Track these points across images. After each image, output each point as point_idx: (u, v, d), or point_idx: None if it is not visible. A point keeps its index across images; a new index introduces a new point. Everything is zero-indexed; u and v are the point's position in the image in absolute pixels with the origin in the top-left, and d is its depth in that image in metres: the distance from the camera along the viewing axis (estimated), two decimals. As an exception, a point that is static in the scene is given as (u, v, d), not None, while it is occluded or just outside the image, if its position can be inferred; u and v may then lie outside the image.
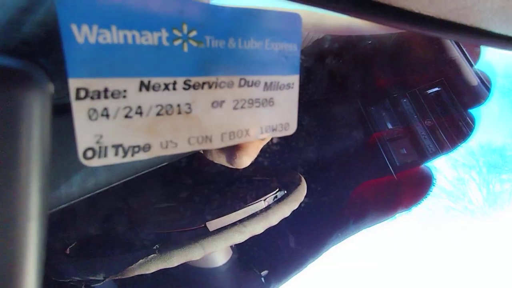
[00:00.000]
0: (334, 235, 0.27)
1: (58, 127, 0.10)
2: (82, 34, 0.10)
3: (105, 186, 0.15)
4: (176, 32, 0.11)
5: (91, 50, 0.10)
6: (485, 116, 0.26)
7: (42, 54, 0.11)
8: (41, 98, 0.08)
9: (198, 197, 0.34)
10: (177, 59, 0.12)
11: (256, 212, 0.30)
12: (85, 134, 0.11)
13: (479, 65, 0.25)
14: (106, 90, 0.11)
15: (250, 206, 0.30)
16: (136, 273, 0.27)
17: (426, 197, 0.28)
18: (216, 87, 0.13)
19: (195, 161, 0.33)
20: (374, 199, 0.28)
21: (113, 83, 0.11)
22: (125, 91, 0.11)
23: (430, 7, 0.17)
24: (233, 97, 0.13)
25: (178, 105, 0.12)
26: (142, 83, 0.11)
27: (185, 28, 0.12)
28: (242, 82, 0.13)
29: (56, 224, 0.29)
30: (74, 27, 0.10)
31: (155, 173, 0.28)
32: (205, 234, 0.29)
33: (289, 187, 0.33)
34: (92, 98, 0.10)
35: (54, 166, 0.12)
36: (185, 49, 0.12)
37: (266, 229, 0.28)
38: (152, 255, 0.28)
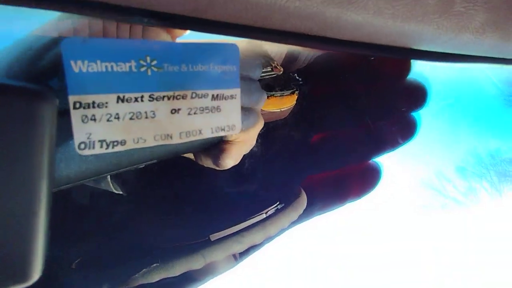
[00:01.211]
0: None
1: (62, 126, 0.15)
2: (77, 66, 0.15)
3: (97, 174, 0.19)
4: (142, 62, 0.17)
5: (83, 77, 0.15)
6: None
7: (53, 78, 0.16)
8: (50, 109, 0.14)
9: (202, 211, 0.35)
10: (143, 80, 0.17)
11: (256, 222, 0.32)
12: (79, 132, 0.16)
13: (413, 75, 0.30)
14: (93, 103, 0.16)
15: (250, 219, 0.33)
16: (140, 282, 0.29)
17: (374, 188, 0.32)
18: (173, 99, 0.18)
19: (198, 176, 0.35)
20: (322, 190, 0.32)
21: (98, 98, 0.16)
22: (106, 103, 0.16)
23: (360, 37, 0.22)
24: (187, 106, 0.18)
25: (145, 112, 0.17)
26: (118, 97, 0.16)
27: (148, 59, 0.17)
28: (194, 95, 0.19)
29: (62, 239, 0.31)
30: (72, 62, 0.15)
31: (159, 187, 0.31)
32: (207, 244, 0.31)
33: (289, 199, 0.34)
34: (84, 108, 0.16)
35: (57, 153, 0.17)
36: (149, 73, 0.17)
37: None
38: (154, 265, 0.30)
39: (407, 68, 0.30)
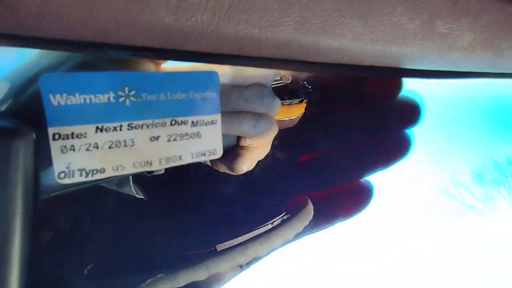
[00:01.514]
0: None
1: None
2: (56, 100, 0.16)
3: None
4: (120, 92, 0.17)
5: (62, 109, 0.16)
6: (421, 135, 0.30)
7: (32, 112, 0.17)
8: (24, 143, 0.14)
9: (210, 221, 0.36)
10: (121, 110, 0.17)
11: (260, 233, 0.32)
12: (59, 162, 0.16)
13: (405, 92, 0.30)
14: (72, 134, 0.16)
15: (256, 229, 0.33)
16: None
17: (365, 207, 0.32)
18: (152, 126, 0.18)
19: (205, 186, 0.36)
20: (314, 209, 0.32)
21: (77, 129, 0.16)
22: (85, 133, 0.17)
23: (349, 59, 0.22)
24: (166, 133, 0.19)
25: (124, 141, 0.18)
26: (97, 127, 0.17)
27: (126, 89, 0.17)
28: (173, 122, 0.19)
29: (76, 246, 0.33)
30: (51, 96, 0.16)
31: (167, 196, 0.32)
32: (211, 255, 0.31)
33: (295, 209, 0.34)
34: (63, 139, 0.16)
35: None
36: (127, 103, 0.18)
37: None
38: (159, 275, 0.31)
39: (397, 86, 0.29)
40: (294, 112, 0.32)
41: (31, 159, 0.15)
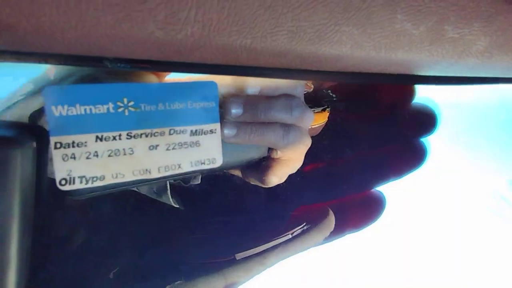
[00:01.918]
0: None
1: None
2: (58, 111, 0.17)
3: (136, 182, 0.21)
4: (119, 103, 0.18)
5: (64, 119, 0.17)
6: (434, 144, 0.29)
7: (37, 122, 0.18)
8: (22, 152, 0.15)
9: (230, 230, 0.36)
10: (120, 120, 0.18)
11: (280, 243, 0.32)
12: (60, 169, 0.17)
13: (420, 100, 0.29)
14: (73, 142, 0.17)
15: (276, 239, 0.34)
16: None
17: (376, 219, 0.30)
18: (151, 136, 0.19)
19: (229, 195, 0.36)
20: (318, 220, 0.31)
21: (77, 138, 0.17)
22: (85, 142, 0.17)
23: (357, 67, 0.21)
24: (165, 142, 0.19)
25: (124, 149, 0.18)
26: (97, 137, 0.18)
27: (125, 100, 0.18)
28: (172, 131, 0.19)
29: (104, 250, 0.34)
30: (53, 107, 0.16)
31: (190, 204, 0.33)
32: (229, 264, 0.32)
33: (316, 220, 0.34)
34: (64, 147, 0.17)
35: None
36: (126, 113, 0.18)
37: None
38: (178, 282, 0.32)
39: (410, 93, 0.28)
40: (316, 120, 0.32)
41: (30, 166, 0.16)
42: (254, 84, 0.24)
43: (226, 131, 0.23)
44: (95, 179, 0.18)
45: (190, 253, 0.36)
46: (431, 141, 0.29)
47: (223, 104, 0.23)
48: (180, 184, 0.34)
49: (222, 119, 0.21)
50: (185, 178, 0.33)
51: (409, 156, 0.30)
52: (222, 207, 0.37)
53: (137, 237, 0.35)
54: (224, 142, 0.23)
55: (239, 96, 0.23)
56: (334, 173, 0.26)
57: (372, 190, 0.31)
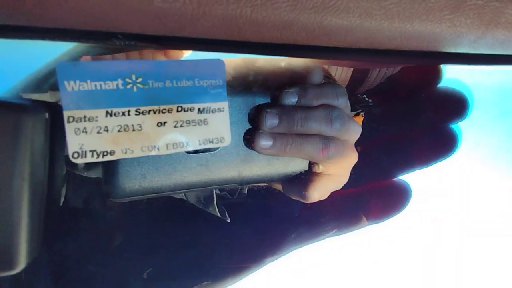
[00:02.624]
0: (289, 237, 0.29)
1: None
2: (70, 86, 0.18)
3: (173, 190, 0.23)
4: (128, 80, 0.18)
5: (76, 95, 0.18)
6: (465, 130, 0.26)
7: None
8: (36, 119, 0.16)
9: (263, 236, 0.36)
10: (129, 96, 0.19)
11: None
12: (73, 143, 0.18)
13: (446, 82, 0.27)
14: (84, 117, 0.18)
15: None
16: None
17: (400, 210, 0.28)
18: (159, 112, 0.19)
19: (263, 201, 0.36)
20: (334, 209, 0.29)
21: (89, 113, 0.18)
22: (96, 117, 0.18)
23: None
24: (173, 119, 0.20)
25: (132, 125, 0.19)
26: (107, 112, 0.18)
27: (133, 76, 0.19)
28: (179, 109, 0.20)
29: (140, 251, 0.36)
30: (65, 83, 0.17)
31: (227, 209, 0.34)
32: (258, 268, 0.33)
33: (347, 227, 0.33)
34: (76, 121, 0.18)
35: None
36: (135, 89, 0.19)
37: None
38: (205, 283, 0.33)
39: (435, 74, 0.26)
40: None
41: (42, 136, 0.17)
42: (291, 95, 0.23)
43: (261, 142, 0.22)
44: (105, 153, 0.18)
45: (220, 257, 0.36)
46: (463, 128, 0.27)
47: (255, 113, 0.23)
48: (226, 196, 0.35)
49: (229, 97, 0.21)
50: (231, 190, 0.34)
51: (437, 143, 0.27)
52: (254, 215, 0.37)
53: (170, 240, 0.37)
54: (261, 153, 0.23)
55: (274, 106, 0.23)
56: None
57: (396, 179, 0.29)
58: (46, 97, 0.19)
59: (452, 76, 0.26)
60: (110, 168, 0.22)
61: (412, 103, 0.28)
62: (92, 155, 0.18)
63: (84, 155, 0.18)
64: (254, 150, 0.23)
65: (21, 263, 0.16)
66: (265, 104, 0.24)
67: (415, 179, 0.29)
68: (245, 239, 0.36)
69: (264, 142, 0.22)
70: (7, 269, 0.16)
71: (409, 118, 0.29)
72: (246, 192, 0.36)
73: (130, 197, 0.23)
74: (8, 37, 0.16)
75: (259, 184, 0.32)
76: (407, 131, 0.29)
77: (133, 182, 0.22)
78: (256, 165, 0.25)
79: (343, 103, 0.24)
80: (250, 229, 0.37)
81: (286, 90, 0.23)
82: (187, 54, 0.24)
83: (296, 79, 0.25)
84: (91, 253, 0.35)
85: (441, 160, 0.27)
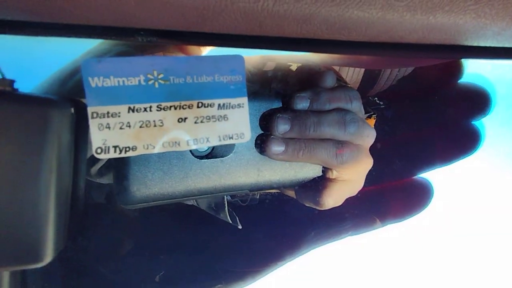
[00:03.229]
0: (309, 235, 0.29)
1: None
2: (94, 82, 0.18)
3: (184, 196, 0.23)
4: (149, 76, 0.19)
5: (99, 90, 0.18)
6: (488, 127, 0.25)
7: (77, 94, 0.19)
8: (60, 112, 0.16)
9: (276, 240, 0.36)
10: (151, 92, 0.19)
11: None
12: (96, 138, 0.18)
13: (468, 78, 0.26)
14: (108, 113, 0.18)
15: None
16: None
17: (421, 208, 0.27)
18: (180, 108, 0.19)
19: (275, 208, 0.36)
20: (353, 207, 0.29)
21: (112, 109, 0.18)
22: (119, 113, 0.18)
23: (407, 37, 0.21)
24: (193, 115, 0.20)
25: (154, 121, 0.19)
26: (129, 108, 0.19)
27: (155, 73, 0.19)
28: (200, 105, 0.20)
29: (152, 255, 0.36)
30: (90, 79, 0.18)
31: (238, 213, 0.35)
32: (269, 272, 0.33)
33: (361, 229, 0.33)
34: (100, 117, 0.18)
35: None
36: (156, 85, 0.19)
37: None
38: (218, 286, 0.34)
39: (456, 69, 0.26)
40: None
41: (68, 128, 0.17)
42: (303, 99, 0.23)
43: (273, 148, 0.22)
44: (127, 149, 0.19)
45: (232, 261, 0.36)
46: (486, 124, 0.26)
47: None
48: (237, 202, 0.35)
49: (249, 95, 0.21)
50: (243, 197, 0.34)
51: (459, 140, 0.27)
52: (266, 221, 0.37)
53: (183, 243, 0.37)
54: (274, 159, 0.23)
55: (286, 111, 0.23)
56: (374, 157, 0.25)
57: (417, 177, 0.29)
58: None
59: (474, 71, 0.26)
60: (122, 174, 0.22)
61: (433, 99, 0.27)
62: (115, 151, 0.18)
63: (107, 151, 0.18)
64: (266, 155, 0.23)
65: (49, 256, 0.17)
66: (276, 108, 0.24)
67: (435, 177, 0.28)
68: (256, 244, 0.36)
69: (276, 148, 0.22)
70: (36, 262, 0.16)
71: (430, 115, 0.28)
72: (257, 198, 0.36)
73: (141, 204, 0.23)
74: (31, 35, 0.16)
75: (271, 191, 0.32)
76: (427, 128, 0.28)
77: (144, 189, 0.22)
78: (268, 171, 0.25)
79: (357, 106, 0.24)
80: (261, 234, 0.37)
81: (298, 95, 0.23)
82: (207, 51, 0.24)
83: (308, 83, 0.25)
84: (104, 256, 0.35)
85: (463, 158, 0.26)
